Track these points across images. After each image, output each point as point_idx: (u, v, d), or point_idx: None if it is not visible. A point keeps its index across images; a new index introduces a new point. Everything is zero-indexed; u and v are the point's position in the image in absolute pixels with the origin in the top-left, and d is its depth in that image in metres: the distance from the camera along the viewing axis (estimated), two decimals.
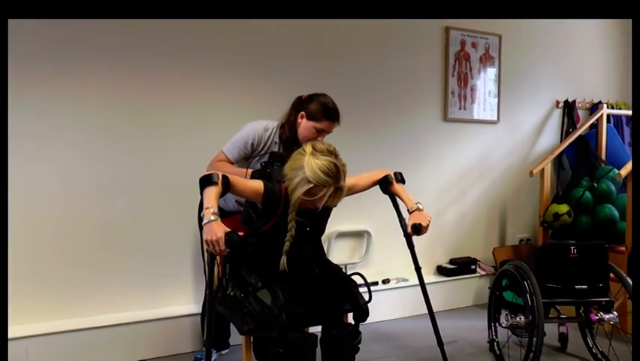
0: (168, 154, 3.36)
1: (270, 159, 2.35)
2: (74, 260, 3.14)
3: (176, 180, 3.35)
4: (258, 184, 2.17)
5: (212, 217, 1.94)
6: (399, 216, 2.56)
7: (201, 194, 2.05)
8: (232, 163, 2.70)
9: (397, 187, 2.54)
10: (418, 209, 2.47)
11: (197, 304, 3.35)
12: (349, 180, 2.27)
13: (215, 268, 2.24)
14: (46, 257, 3.07)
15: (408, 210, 2.48)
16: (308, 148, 2.11)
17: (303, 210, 2.17)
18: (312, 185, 2.05)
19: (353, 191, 2.42)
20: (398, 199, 2.57)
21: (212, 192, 2.02)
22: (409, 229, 2.41)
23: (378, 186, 2.57)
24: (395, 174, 2.56)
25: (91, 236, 3.18)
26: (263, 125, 2.73)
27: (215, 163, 2.72)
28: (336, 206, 2.28)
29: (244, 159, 2.71)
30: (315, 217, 2.24)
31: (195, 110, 3.42)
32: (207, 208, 1.97)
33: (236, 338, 3.03)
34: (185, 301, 3.42)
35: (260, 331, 2.18)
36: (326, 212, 2.31)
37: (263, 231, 2.21)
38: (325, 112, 2.64)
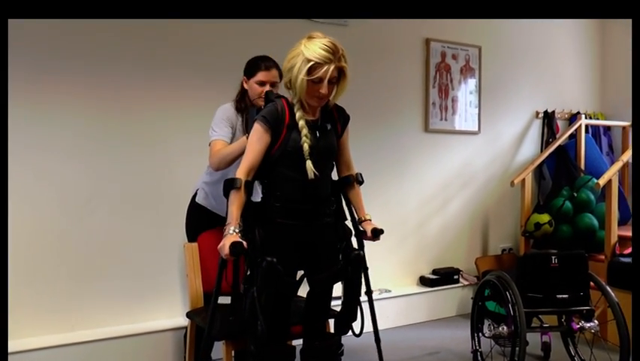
0: (151, 163, 3.34)
1: (267, 96, 2.29)
2: (52, 274, 3.09)
3: (157, 189, 3.34)
4: (256, 130, 2.11)
5: (230, 232, 2.03)
6: (353, 221, 2.41)
7: (226, 196, 2.09)
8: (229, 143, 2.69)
9: (357, 192, 2.40)
10: (370, 220, 2.38)
11: (179, 318, 3.31)
12: (346, 136, 2.31)
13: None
14: (23, 272, 3.01)
15: (358, 219, 2.37)
16: (303, 39, 2.10)
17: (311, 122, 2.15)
18: (312, 63, 2.03)
19: (340, 147, 2.31)
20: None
21: (235, 205, 2.06)
22: (369, 234, 2.31)
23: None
24: (357, 175, 2.40)
25: (69, 249, 3.13)
26: (228, 103, 2.81)
27: (215, 155, 2.67)
28: (341, 134, 2.28)
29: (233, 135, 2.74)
30: (324, 131, 2.19)
31: (177, 118, 3.40)
32: (228, 224, 2.05)
33: (217, 352, 3.00)
34: (166, 315, 3.38)
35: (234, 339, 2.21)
36: (334, 131, 2.25)
37: (279, 146, 2.12)
38: (256, 64, 2.72)
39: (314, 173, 2.08)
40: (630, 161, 4.59)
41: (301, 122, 2.11)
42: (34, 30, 2.99)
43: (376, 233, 2.29)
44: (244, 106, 2.75)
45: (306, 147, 2.09)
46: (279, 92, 2.62)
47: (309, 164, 2.08)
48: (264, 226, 2.12)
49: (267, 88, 2.67)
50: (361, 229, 2.34)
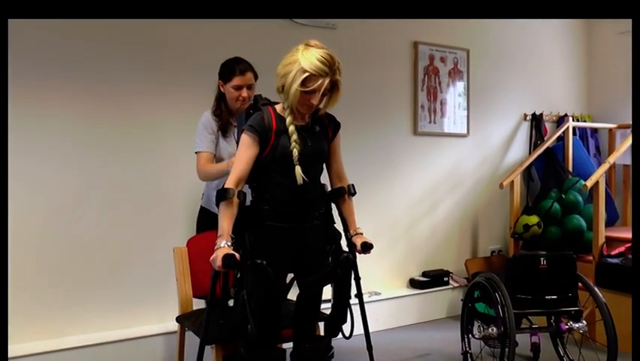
0: (139, 169, 3.32)
1: (255, 101, 2.30)
2: (39, 279, 3.07)
3: (148, 195, 3.32)
4: (244, 140, 2.12)
5: (222, 245, 2.02)
6: (346, 233, 2.40)
7: (218, 206, 2.09)
8: (214, 155, 2.80)
9: (349, 205, 2.41)
10: (361, 234, 2.37)
11: (169, 323, 3.29)
12: (337, 144, 2.31)
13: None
14: (10, 277, 2.98)
15: (349, 233, 2.36)
16: (301, 45, 2.10)
17: (300, 127, 2.15)
18: (307, 74, 2.03)
19: (331, 155, 2.32)
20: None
21: (226, 217, 2.06)
22: (359, 247, 2.29)
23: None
24: (349, 186, 2.38)
25: (56, 254, 3.11)
26: (207, 111, 2.89)
27: (201, 170, 2.78)
28: (332, 139, 2.28)
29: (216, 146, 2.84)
30: (313, 134, 2.20)
31: (167, 123, 3.39)
32: (220, 236, 2.04)
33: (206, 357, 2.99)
34: (156, 319, 3.36)
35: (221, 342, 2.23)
36: (324, 135, 2.25)
37: (268, 153, 2.13)
38: (232, 69, 2.77)
39: (302, 178, 2.09)
40: (617, 163, 4.65)
41: (291, 128, 2.11)
42: (30, 37, 2.97)
43: (365, 247, 2.29)
44: (220, 112, 2.83)
45: (295, 152, 2.09)
46: (255, 92, 2.72)
47: (298, 170, 2.09)
48: (253, 230, 2.13)
49: (244, 92, 2.76)
50: (352, 242, 2.34)
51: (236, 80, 2.76)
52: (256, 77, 2.83)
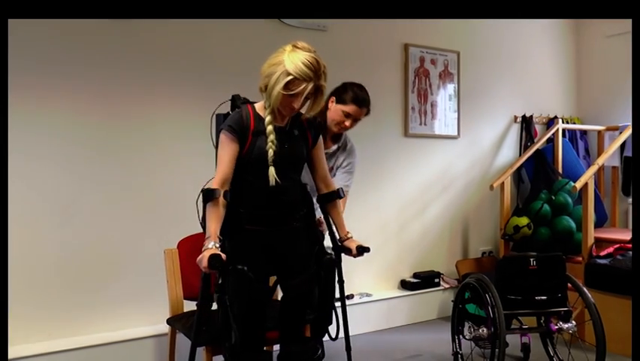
0: (134, 170, 3.31)
1: (233, 100, 2.29)
2: (31, 281, 3.05)
3: (140, 196, 3.32)
4: (223, 140, 2.09)
5: (210, 246, 2.00)
6: (332, 235, 2.40)
7: (204, 206, 2.07)
8: None
9: (338, 209, 2.38)
10: (352, 238, 2.36)
11: (161, 325, 3.28)
12: (320, 149, 2.29)
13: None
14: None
15: (340, 237, 2.35)
16: (288, 46, 2.07)
17: (278, 128, 2.13)
18: (291, 77, 2.00)
19: (315, 160, 2.30)
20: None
21: (213, 219, 2.04)
22: (354, 252, 2.28)
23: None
24: (339, 190, 2.37)
25: (48, 256, 3.09)
26: None
27: None
28: (313, 145, 2.25)
29: None
30: (291, 137, 2.18)
31: (163, 124, 3.39)
32: (208, 238, 2.03)
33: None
34: (147, 321, 3.35)
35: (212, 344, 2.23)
36: (303, 139, 2.23)
37: (245, 154, 2.11)
38: (353, 97, 2.76)
39: (275, 180, 2.07)
40: (606, 164, 4.68)
41: (269, 128, 2.09)
42: (27, 37, 2.96)
43: (362, 250, 2.28)
44: (322, 123, 2.71)
45: (270, 152, 2.07)
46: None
47: (271, 170, 2.07)
48: (232, 234, 2.11)
49: (349, 122, 2.78)
50: (345, 246, 2.33)
51: (350, 109, 2.75)
52: (367, 113, 2.84)
